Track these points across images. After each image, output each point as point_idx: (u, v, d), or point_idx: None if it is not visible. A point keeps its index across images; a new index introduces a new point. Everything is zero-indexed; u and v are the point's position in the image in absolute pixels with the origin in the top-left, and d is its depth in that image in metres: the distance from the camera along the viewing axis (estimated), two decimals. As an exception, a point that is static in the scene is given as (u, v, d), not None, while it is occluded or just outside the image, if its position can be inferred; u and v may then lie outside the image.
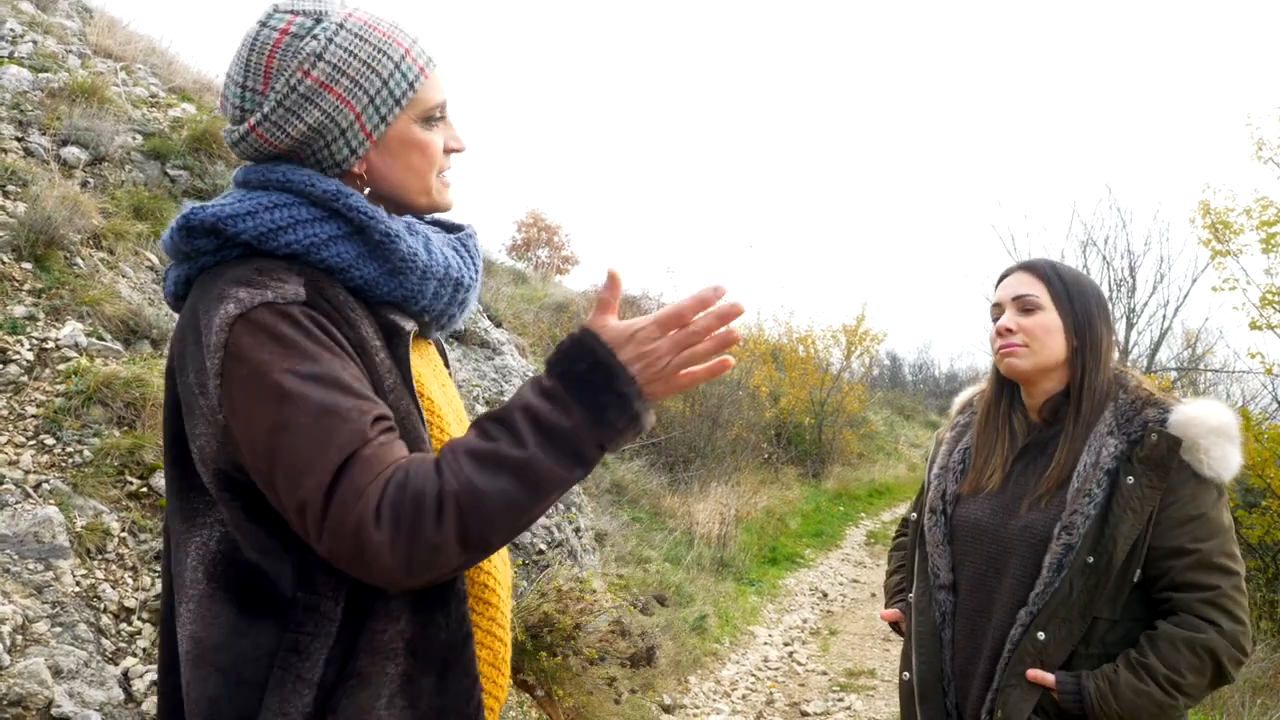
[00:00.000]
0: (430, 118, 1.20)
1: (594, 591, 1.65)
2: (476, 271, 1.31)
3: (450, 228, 1.35)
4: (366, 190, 1.22)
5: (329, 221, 1.13)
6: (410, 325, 1.19)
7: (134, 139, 4.78)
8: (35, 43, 5.03)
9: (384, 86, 1.15)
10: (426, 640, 1.10)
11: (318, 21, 1.14)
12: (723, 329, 1.07)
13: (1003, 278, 1.88)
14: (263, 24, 1.15)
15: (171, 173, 4.77)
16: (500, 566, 1.28)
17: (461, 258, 1.28)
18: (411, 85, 1.17)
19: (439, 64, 1.23)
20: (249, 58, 1.14)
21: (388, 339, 1.16)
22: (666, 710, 4.63)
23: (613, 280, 1.07)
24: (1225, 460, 1.63)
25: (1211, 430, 1.63)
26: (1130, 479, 1.64)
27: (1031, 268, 1.84)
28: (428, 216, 1.33)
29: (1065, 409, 1.78)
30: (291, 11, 1.15)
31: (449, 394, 1.33)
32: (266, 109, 1.14)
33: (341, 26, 1.14)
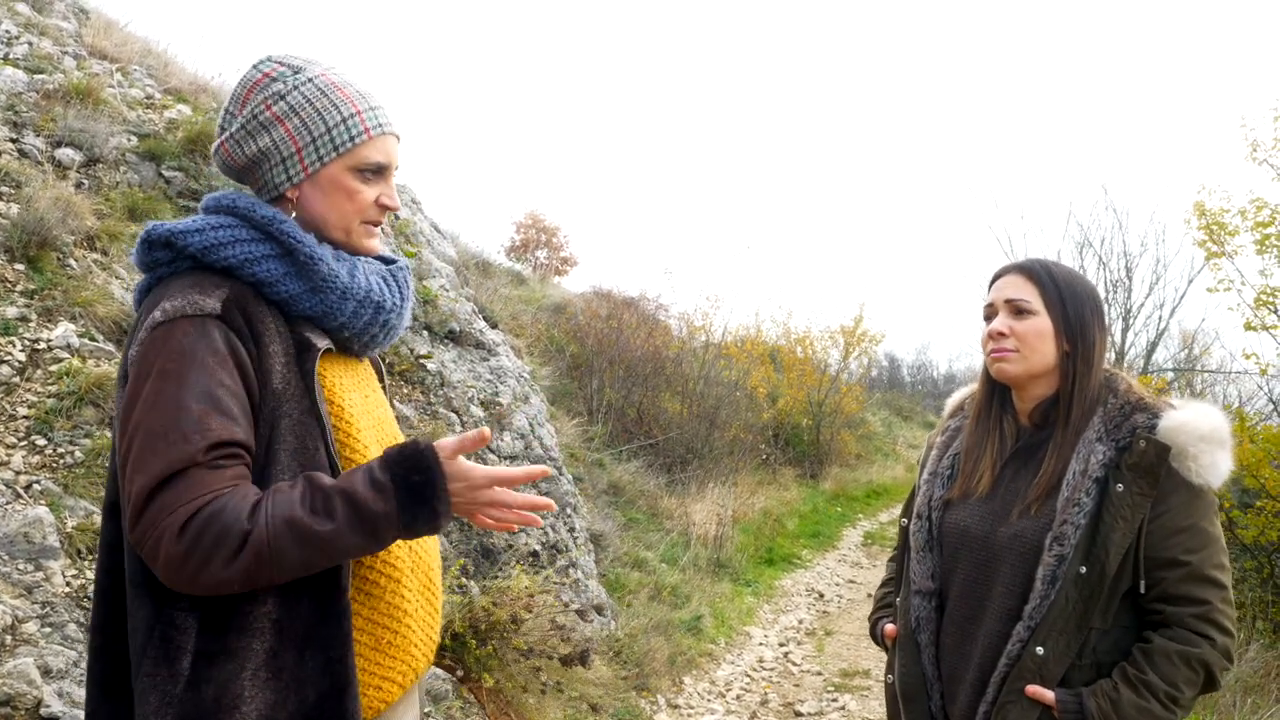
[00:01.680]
0: (364, 170, 1.40)
1: (527, 589, 1.76)
2: (403, 300, 1.50)
3: (386, 260, 1.54)
4: (293, 214, 1.42)
5: (264, 243, 1.33)
6: (324, 343, 1.36)
7: (129, 140, 4.79)
8: (31, 44, 5.04)
9: (327, 133, 1.37)
10: (291, 620, 1.25)
11: (295, 73, 1.39)
12: (530, 511, 1.31)
13: (996, 278, 1.85)
14: (254, 66, 1.40)
15: (166, 174, 4.78)
16: (404, 558, 1.42)
17: (388, 286, 1.46)
18: (353, 139, 1.38)
19: (397, 135, 1.44)
20: (236, 89, 1.41)
21: (299, 354, 1.32)
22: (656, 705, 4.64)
23: (480, 438, 1.26)
24: (1215, 467, 1.61)
25: (1201, 437, 1.61)
26: (1120, 486, 1.62)
27: (1024, 269, 1.80)
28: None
29: (1055, 413, 1.76)
30: (278, 62, 1.40)
31: (370, 405, 1.49)
32: (234, 128, 1.39)
33: (310, 80, 1.38)
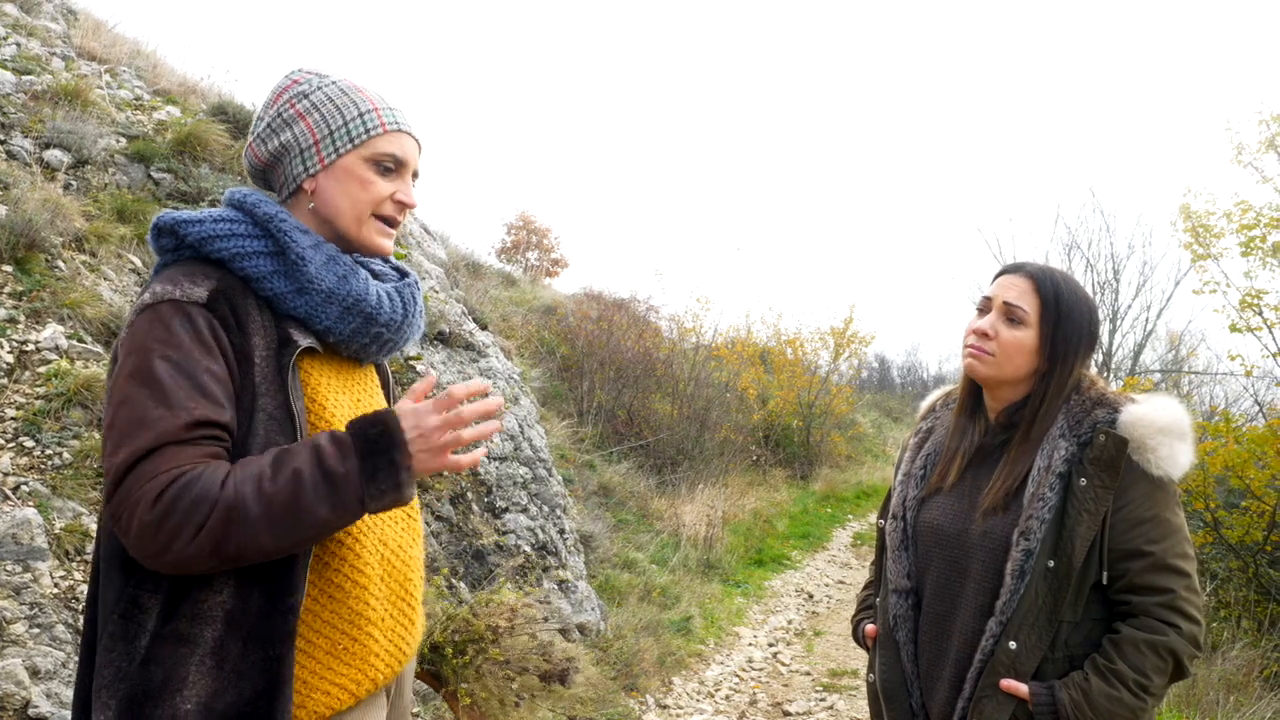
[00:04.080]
0: (381, 164, 1.44)
1: (509, 604, 1.78)
2: (405, 316, 1.51)
3: (402, 274, 1.60)
4: (311, 206, 1.43)
5: (261, 239, 1.37)
6: (306, 341, 1.37)
7: (118, 142, 4.78)
8: (19, 45, 5.03)
9: (344, 125, 1.42)
10: (242, 612, 1.26)
11: (320, 77, 1.47)
12: (483, 421, 1.30)
13: (1005, 272, 1.83)
14: (285, 75, 1.49)
15: (155, 176, 4.77)
16: (373, 565, 1.41)
17: (390, 300, 1.47)
18: (368, 130, 1.43)
19: (416, 139, 1.50)
20: (267, 95, 1.48)
21: (279, 349, 1.34)
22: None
23: (428, 384, 1.31)
24: (1174, 458, 1.65)
25: (1159, 429, 1.64)
26: (1083, 481, 1.65)
27: (1034, 277, 1.77)
28: (374, 262, 1.56)
29: (1020, 415, 1.79)
30: (306, 71, 1.49)
31: (361, 410, 1.48)
32: (260, 128, 1.46)
33: (335, 82, 1.46)
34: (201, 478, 1.18)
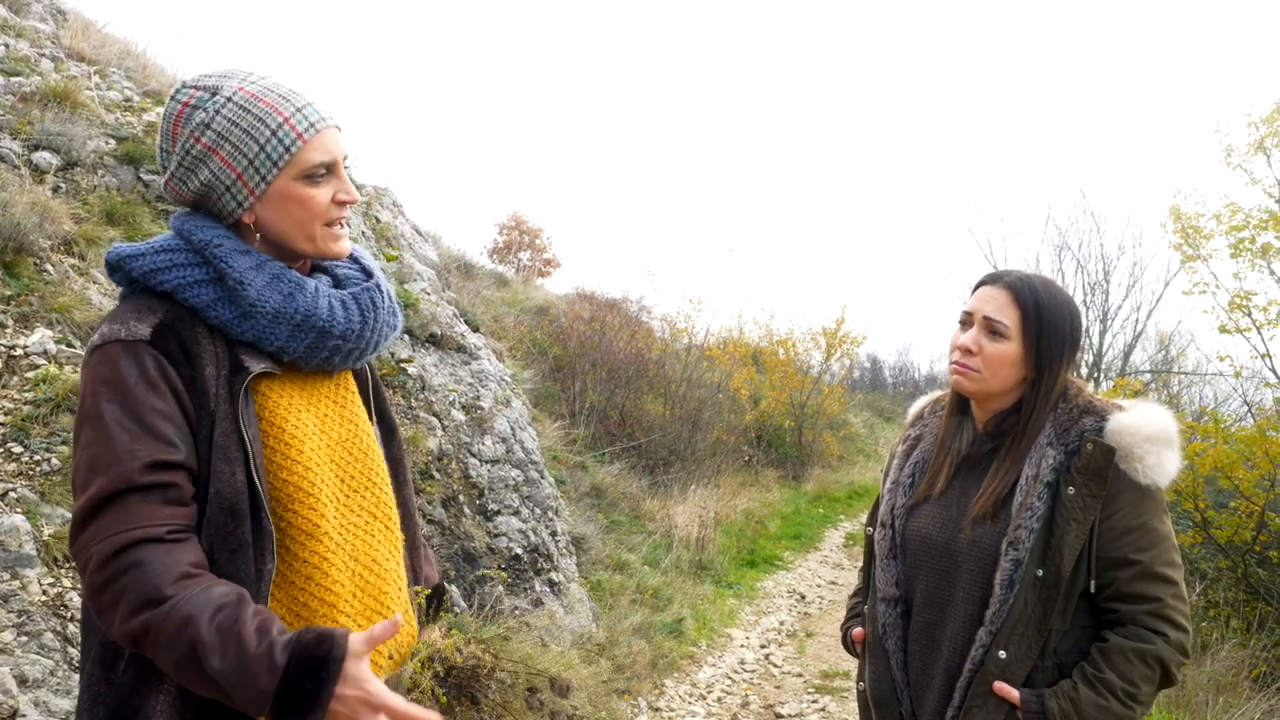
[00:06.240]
0: (311, 175, 1.37)
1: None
2: (363, 323, 1.45)
3: (368, 273, 1.54)
4: (259, 236, 1.39)
5: (200, 267, 1.34)
6: (259, 365, 1.35)
7: (107, 144, 4.76)
8: (7, 46, 5.00)
9: (261, 150, 1.34)
10: None
11: (212, 95, 1.35)
12: None
13: (982, 284, 1.82)
14: (172, 97, 1.38)
15: (145, 178, 4.75)
16: (344, 583, 1.37)
17: (346, 309, 1.42)
18: (288, 149, 1.35)
19: (336, 126, 1.41)
20: (163, 124, 1.38)
21: (231, 376, 1.32)
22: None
23: (394, 626, 1.20)
24: (1161, 466, 1.65)
25: (1146, 438, 1.65)
26: (1070, 489, 1.65)
27: (1013, 288, 1.76)
28: (340, 265, 1.51)
29: (1008, 424, 1.79)
30: (194, 86, 1.37)
31: (329, 424, 1.45)
32: (172, 166, 1.38)
33: (230, 100, 1.35)
34: (150, 564, 1.17)
